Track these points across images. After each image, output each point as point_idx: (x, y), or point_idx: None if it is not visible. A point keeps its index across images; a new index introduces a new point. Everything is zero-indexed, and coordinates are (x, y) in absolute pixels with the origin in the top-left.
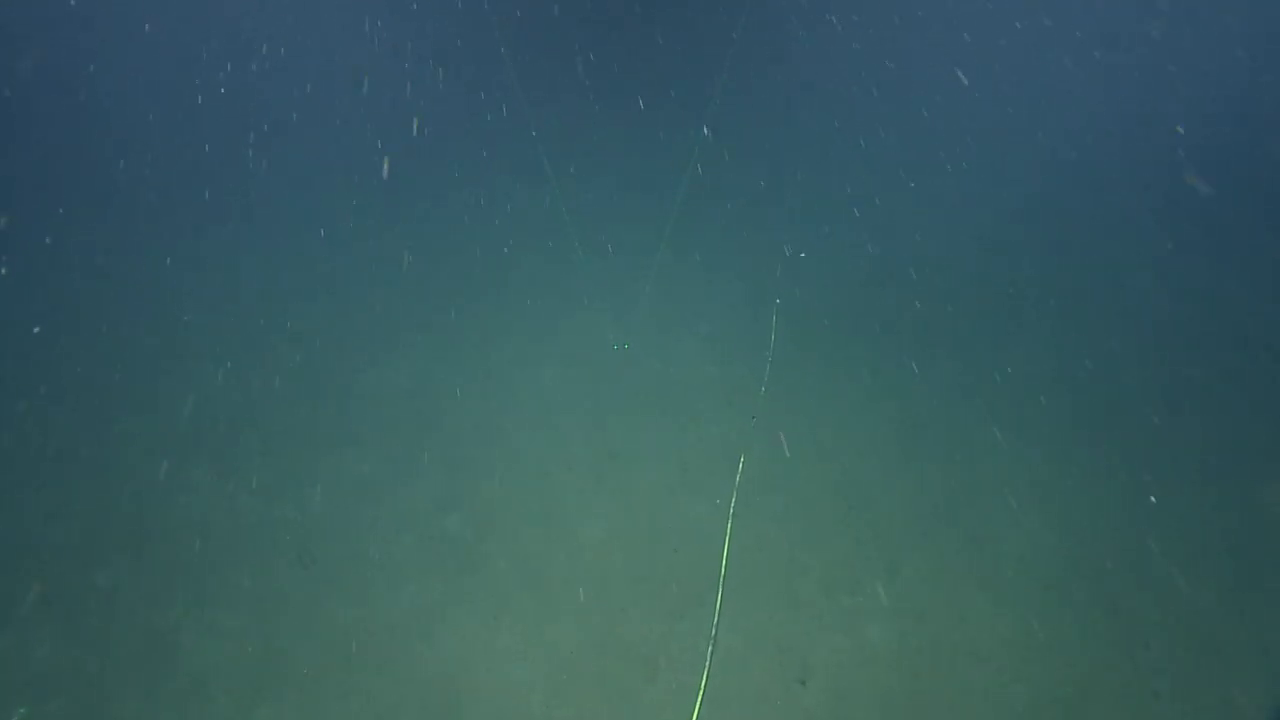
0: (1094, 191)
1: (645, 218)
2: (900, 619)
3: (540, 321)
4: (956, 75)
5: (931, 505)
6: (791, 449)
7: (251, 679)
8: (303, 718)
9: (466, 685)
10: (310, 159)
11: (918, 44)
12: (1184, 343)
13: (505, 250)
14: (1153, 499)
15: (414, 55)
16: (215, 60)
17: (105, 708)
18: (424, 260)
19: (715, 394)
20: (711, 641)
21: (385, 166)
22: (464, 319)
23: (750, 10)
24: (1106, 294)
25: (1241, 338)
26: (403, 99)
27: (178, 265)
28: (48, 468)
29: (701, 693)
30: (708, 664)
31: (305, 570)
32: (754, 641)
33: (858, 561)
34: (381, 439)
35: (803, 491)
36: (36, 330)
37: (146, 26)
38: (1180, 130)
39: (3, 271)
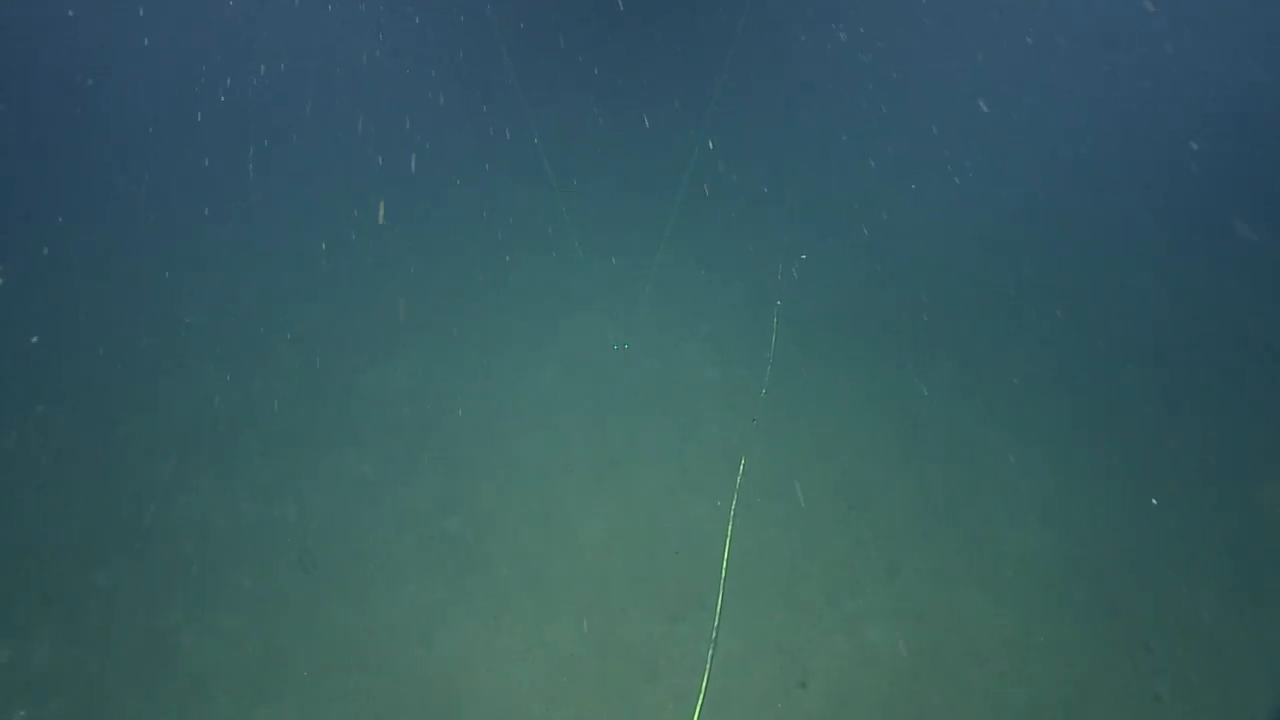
0: (1094, 191)
1: (645, 218)
2: (901, 621)
3: (540, 322)
4: (957, 76)
5: (932, 506)
6: (792, 450)
7: (251, 680)
8: (303, 718)
9: (466, 686)
10: (310, 160)
11: (918, 44)
12: (1184, 343)
13: (505, 251)
14: (1154, 501)
15: (414, 56)
16: (216, 61)
17: (105, 709)
18: (424, 261)
19: (716, 395)
20: (712, 644)
21: (381, 210)
22: (464, 319)
23: (750, 10)
24: (1106, 294)
25: (1241, 338)
26: (403, 100)
27: (178, 266)
28: (48, 468)
29: (702, 695)
30: (708, 666)
31: (305, 572)
32: (754, 644)
33: (859, 563)
34: (382, 440)
35: (804, 493)
36: (36, 339)
37: (148, 29)
38: (1194, 146)
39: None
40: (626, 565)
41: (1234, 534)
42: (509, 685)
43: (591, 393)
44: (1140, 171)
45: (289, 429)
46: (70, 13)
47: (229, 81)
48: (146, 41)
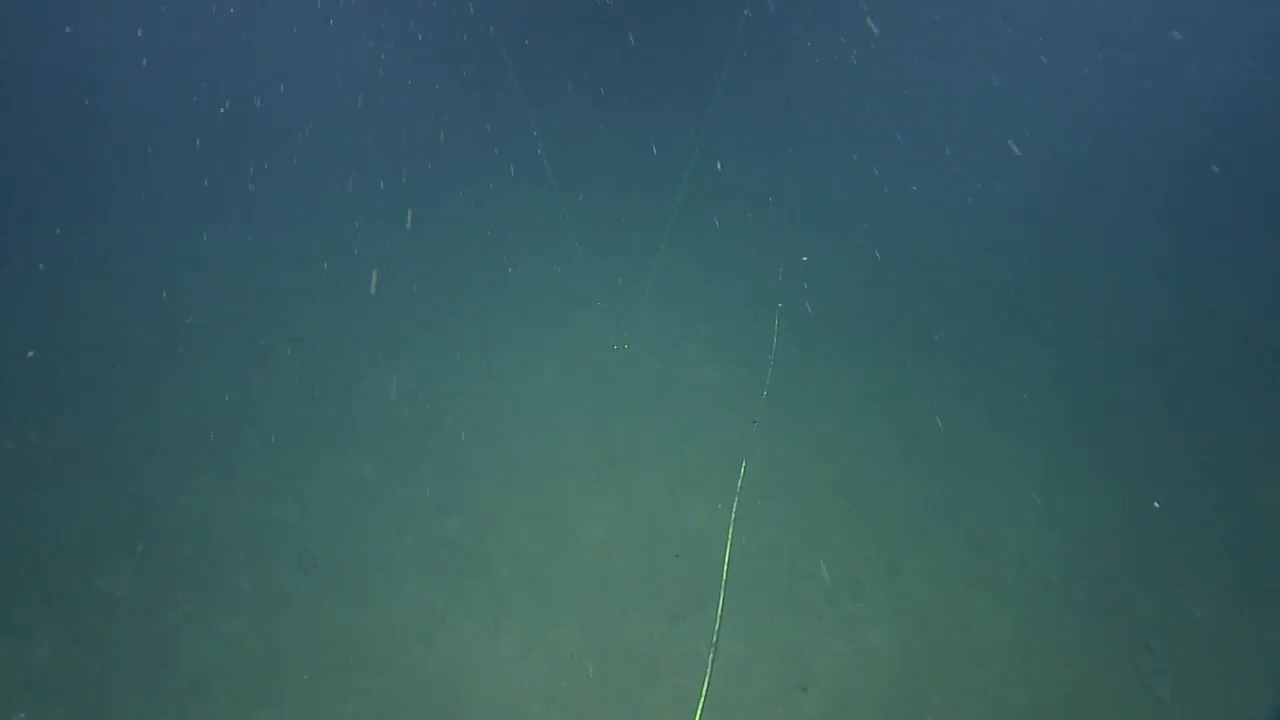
0: (1094, 191)
1: (645, 218)
2: (901, 623)
3: (540, 323)
4: (957, 76)
5: (933, 507)
6: (793, 452)
7: (252, 681)
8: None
9: (467, 688)
10: (310, 160)
11: (918, 44)
12: (1184, 343)
13: (505, 251)
14: (1156, 504)
15: (414, 56)
16: (216, 62)
17: (105, 710)
18: (424, 261)
19: (716, 397)
20: (713, 646)
21: (374, 279)
22: (464, 320)
23: (750, 10)
24: (1106, 294)
25: (1241, 338)
26: (403, 100)
27: (179, 267)
28: (48, 469)
29: (702, 698)
30: (709, 669)
31: (306, 572)
32: (755, 646)
33: (859, 565)
34: (382, 440)
35: (804, 495)
36: (37, 343)
37: (148, 29)
38: (1215, 170)
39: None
40: (627, 566)
41: (1234, 534)
42: (509, 686)
43: (592, 394)
44: (1140, 171)
45: (289, 430)
46: (68, 29)
47: (230, 82)
48: (148, 43)
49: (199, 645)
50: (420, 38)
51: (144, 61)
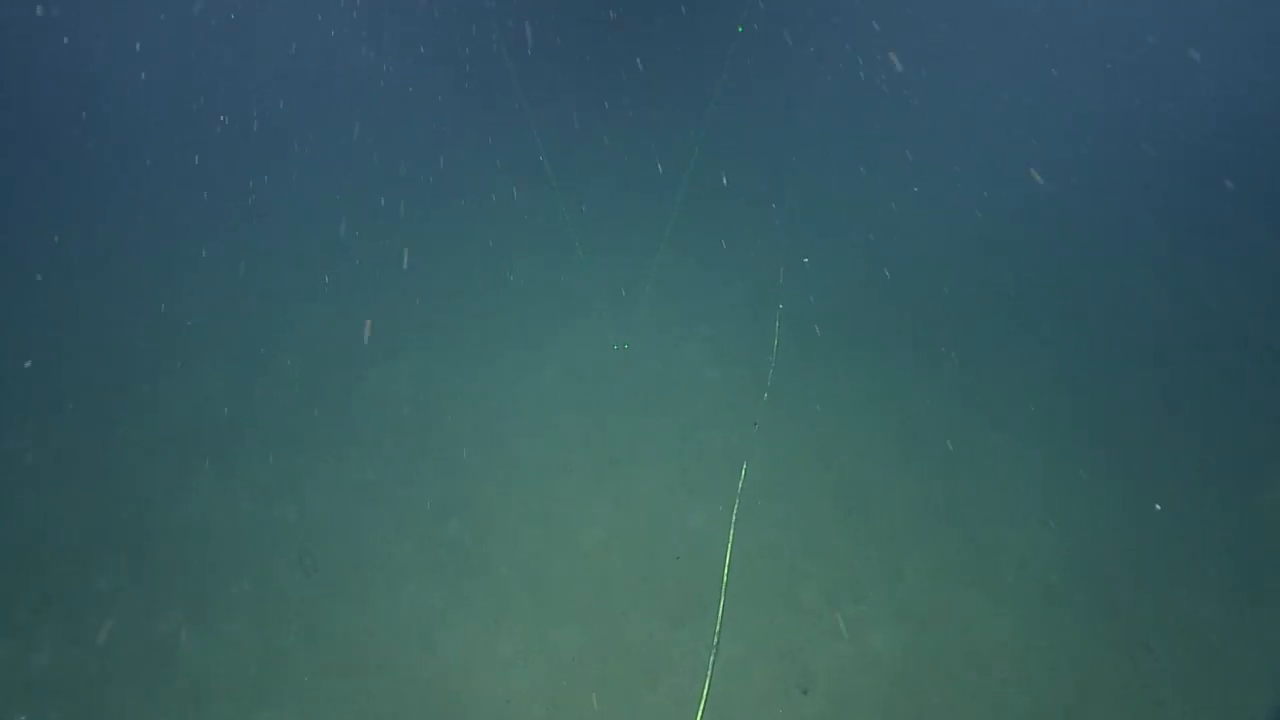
0: (1094, 191)
1: (645, 218)
2: (902, 626)
3: (540, 324)
4: (957, 76)
5: (933, 508)
6: (793, 453)
7: (252, 683)
8: None
9: (467, 690)
10: (311, 162)
11: (919, 44)
12: (1184, 343)
13: (505, 252)
14: (1158, 506)
15: (414, 58)
16: (217, 62)
17: (106, 711)
18: (424, 262)
19: (717, 398)
20: (713, 648)
21: (367, 329)
22: (464, 321)
23: (750, 10)
24: (1106, 294)
25: (1241, 338)
26: (403, 101)
27: (179, 269)
28: (48, 470)
29: (703, 700)
30: (709, 671)
31: (306, 575)
32: (756, 648)
33: (860, 568)
34: (382, 441)
35: (805, 496)
36: (38, 340)
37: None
38: (1229, 184)
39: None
40: (627, 569)
41: (1235, 535)
42: (510, 688)
43: (592, 395)
44: (1140, 171)
45: (289, 431)
46: (66, 39)
47: (231, 84)
48: (148, 44)
49: (199, 646)
50: (420, 39)
51: (145, 63)
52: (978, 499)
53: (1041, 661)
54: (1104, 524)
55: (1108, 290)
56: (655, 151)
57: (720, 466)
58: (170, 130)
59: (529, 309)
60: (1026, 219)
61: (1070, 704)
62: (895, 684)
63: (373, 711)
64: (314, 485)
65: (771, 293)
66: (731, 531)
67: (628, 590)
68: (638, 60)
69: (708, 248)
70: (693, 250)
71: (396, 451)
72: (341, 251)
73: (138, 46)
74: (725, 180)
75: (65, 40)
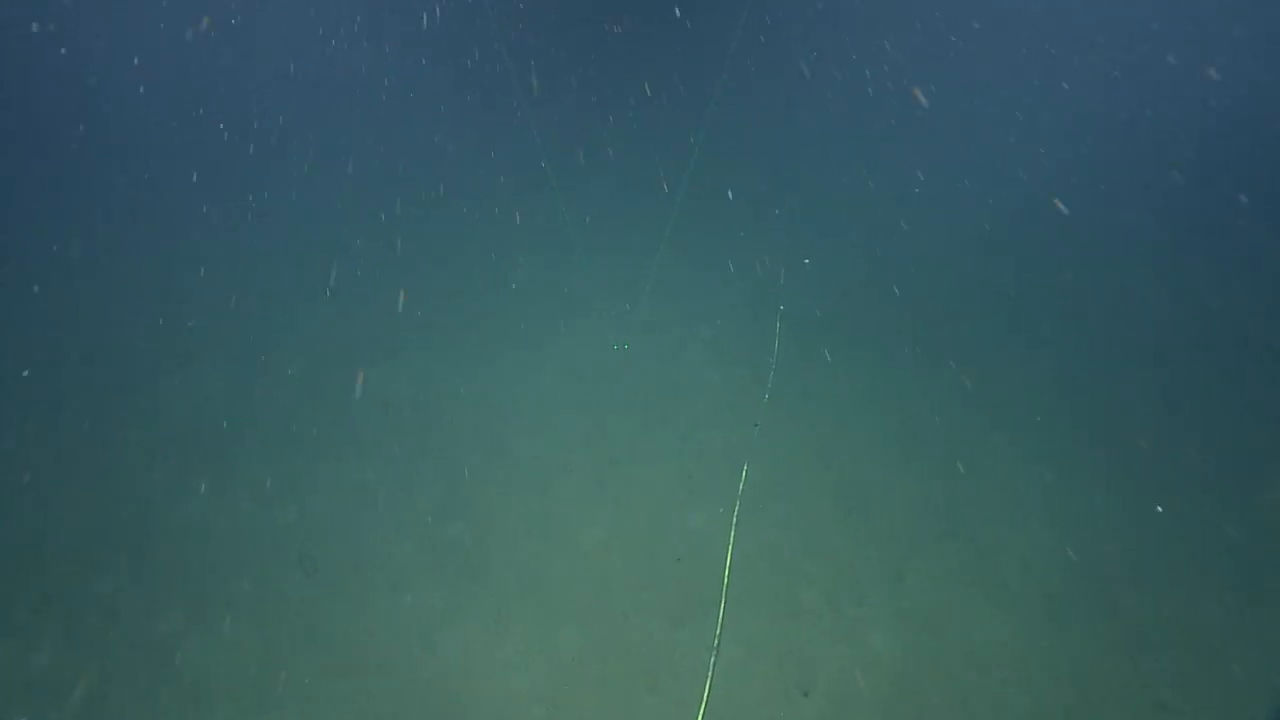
0: (1094, 191)
1: (645, 218)
2: (903, 627)
3: (541, 325)
4: (957, 76)
5: (934, 511)
6: (794, 454)
7: (252, 686)
8: None
9: (468, 692)
10: (311, 163)
11: (919, 45)
12: (1184, 343)
13: (505, 253)
14: (1159, 509)
15: (415, 58)
16: (218, 63)
17: (106, 713)
18: (424, 264)
19: (717, 399)
20: (714, 651)
21: (359, 379)
22: (464, 322)
23: (750, 10)
24: (1106, 294)
25: (1241, 338)
26: (403, 102)
27: (180, 271)
28: (48, 471)
29: (704, 702)
30: (710, 673)
31: (307, 577)
32: (757, 651)
33: (861, 570)
34: (382, 443)
35: (806, 498)
36: (38, 340)
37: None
38: (1230, 185)
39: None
40: (628, 571)
41: (1237, 536)
42: (511, 691)
43: (593, 396)
44: (1140, 171)
45: (290, 432)
46: (63, 50)
47: (233, 85)
48: (150, 45)
49: (199, 648)
50: (421, 40)
51: (145, 64)
52: (978, 500)
53: (1042, 662)
54: (1104, 524)
55: (1108, 290)
56: (655, 151)
57: (721, 467)
58: (171, 131)
59: (529, 309)
60: (1027, 219)
61: (1070, 704)
62: (896, 686)
63: (373, 712)
64: (314, 486)
65: (772, 293)
66: (732, 533)
67: (628, 591)
68: (638, 60)
69: (708, 248)
70: (693, 250)
71: (397, 453)
72: (342, 253)
73: (139, 48)
74: (725, 180)
75: (66, 40)
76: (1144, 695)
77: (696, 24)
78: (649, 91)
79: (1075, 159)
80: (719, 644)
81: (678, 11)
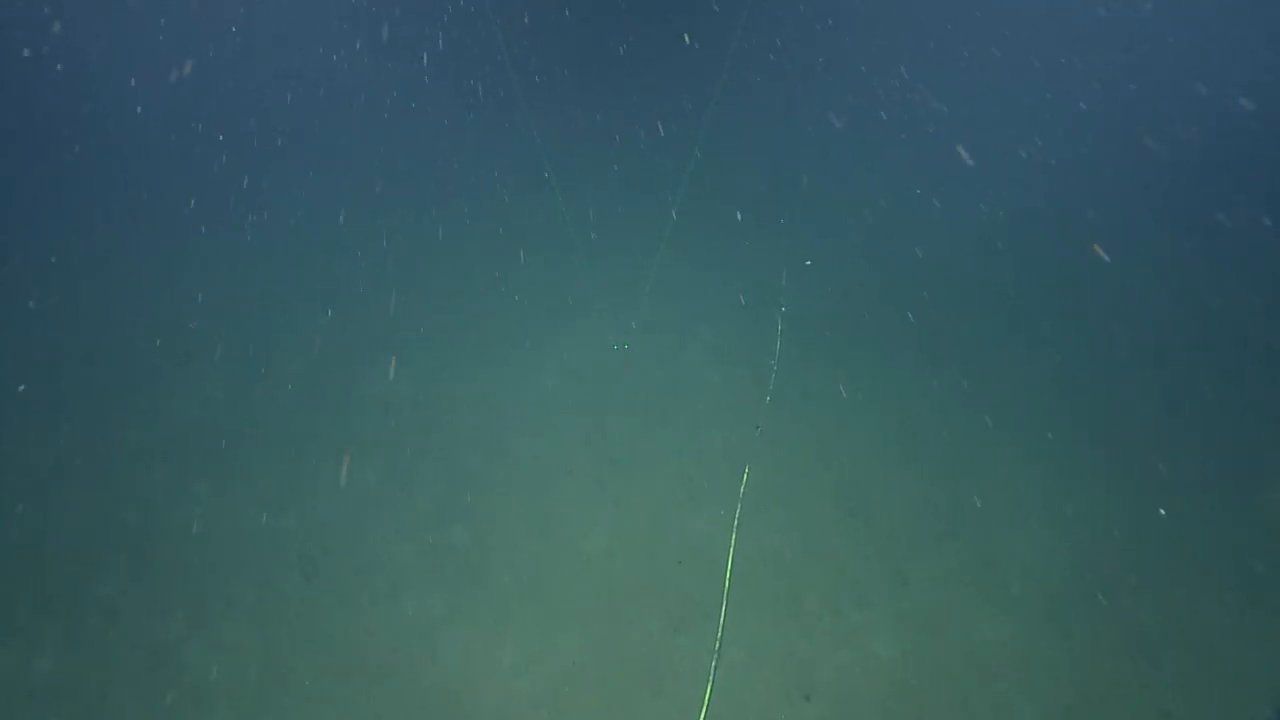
0: (1094, 192)
1: (645, 218)
2: (905, 631)
3: (541, 326)
4: (957, 77)
5: (935, 513)
6: (795, 456)
7: (253, 690)
8: None
9: (468, 695)
10: (311, 164)
11: (919, 45)
12: (1184, 343)
13: (505, 253)
14: (1162, 511)
15: (415, 58)
16: (218, 64)
17: (106, 716)
18: (425, 264)
19: (718, 400)
20: (715, 654)
21: (345, 463)
22: (464, 323)
23: (750, 10)
24: (1106, 294)
25: (1241, 338)
26: (404, 102)
27: (181, 272)
28: (49, 474)
29: (705, 706)
30: (711, 677)
31: (307, 579)
32: (758, 654)
33: (862, 573)
34: (383, 446)
35: (807, 500)
36: (39, 342)
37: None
38: (1233, 189)
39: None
40: (629, 575)
41: (1238, 537)
42: (512, 695)
43: (594, 398)
44: (1140, 171)
45: (290, 435)
46: (66, 40)
47: (232, 85)
48: (151, 45)
49: (200, 652)
50: (421, 40)
51: (146, 64)
52: (979, 501)
53: (1043, 664)
54: (1104, 524)
55: (1108, 290)
56: (655, 152)
57: (722, 470)
58: (171, 131)
59: (529, 309)
60: (1026, 219)
61: (1071, 706)
62: (898, 690)
63: (374, 716)
64: (314, 489)
65: (773, 294)
66: (734, 536)
67: (629, 595)
68: (638, 60)
69: (708, 248)
70: (693, 250)
71: (397, 455)
72: (343, 255)
73: (139, 48)
74: (725, 180)
75: (66, 41)
76: (1144, 696)
77: (697, 25)
78: (649, 92)
79: (1075, 159)
80: (720, 647)
81: (678, 12)
